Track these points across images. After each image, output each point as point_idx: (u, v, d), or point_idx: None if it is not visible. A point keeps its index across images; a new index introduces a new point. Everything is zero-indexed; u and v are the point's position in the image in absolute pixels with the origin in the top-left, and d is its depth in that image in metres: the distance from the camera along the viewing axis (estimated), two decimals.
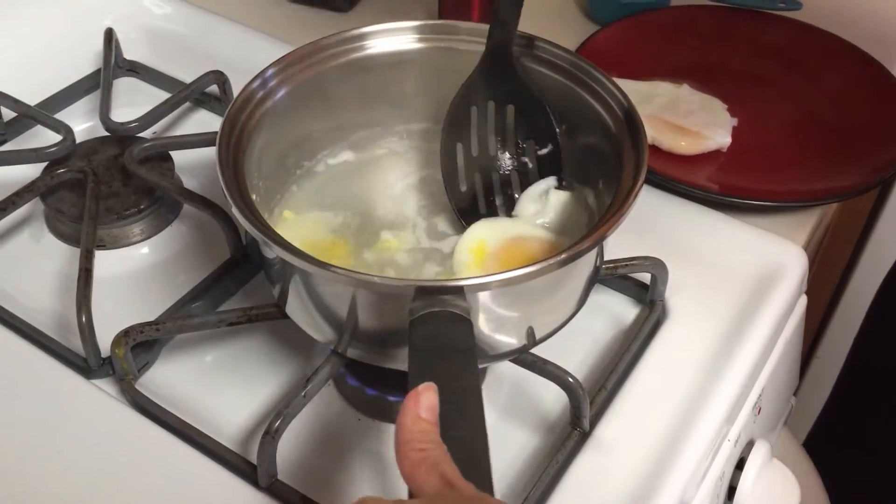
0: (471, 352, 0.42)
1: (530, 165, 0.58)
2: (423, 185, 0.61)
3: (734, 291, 0.61)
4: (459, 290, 0.43)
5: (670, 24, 0.85)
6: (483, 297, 0.45)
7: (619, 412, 0.55)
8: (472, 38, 0.58)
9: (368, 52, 0.59)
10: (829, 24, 0.82)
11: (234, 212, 0.47)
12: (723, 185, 0.69)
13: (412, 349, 0.42)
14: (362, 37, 0.59)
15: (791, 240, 0.64)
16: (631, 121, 0.53)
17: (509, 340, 0.50)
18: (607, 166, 0.54)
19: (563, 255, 0.45)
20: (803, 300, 0.65)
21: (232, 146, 0.51)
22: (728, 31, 0.84)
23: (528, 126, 0.58)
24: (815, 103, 0.77)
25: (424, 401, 0.37)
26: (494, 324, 0.48)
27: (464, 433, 0.37)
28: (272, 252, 0.47)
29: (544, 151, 0.58)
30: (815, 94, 0.78)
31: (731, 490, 0.59)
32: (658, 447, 0.52)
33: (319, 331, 0.51)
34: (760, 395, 0.60)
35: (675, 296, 0.61)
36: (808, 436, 1.06)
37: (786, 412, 0.73)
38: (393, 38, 0.59)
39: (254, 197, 0.50)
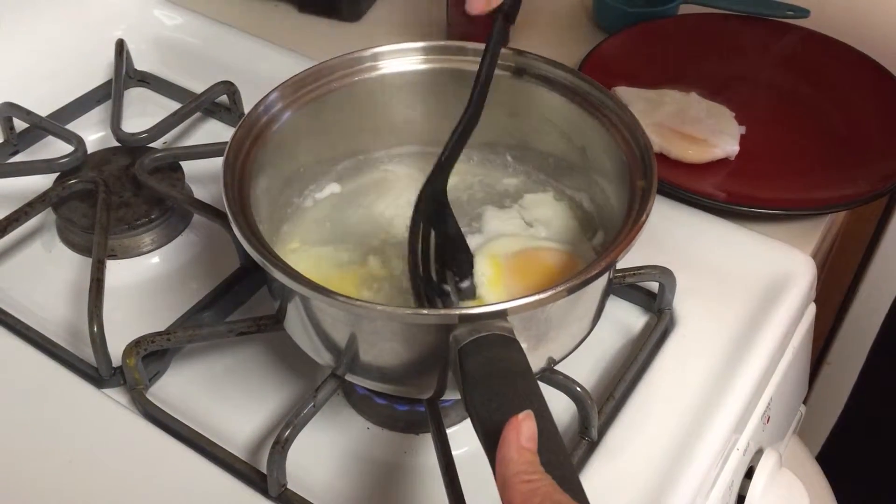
0: (530, 371, 0.42)
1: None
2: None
3: (742, 300, 0.61)
4: (503, 314, 0.43)
5: (678, 33, 0.85)
6: (524, 317, 0.45)
7: (627, 421, 0.55)
8: (479, 60, 0.58)
9: (373, 73, 0.58)
10: (837, 31, 0.82)
11: (261, 262, 0.46)
12: (730, 194, 0.69)
13: (468, 377, 0.41)
14: (367, 58, 0.58)
15: (799, 248, 0.64)
16: (639, 144, 0.52)
17: (538, 360, 0.49)
18: (610, 174, 0.54)
19: (604, 263, 0.45)
20: (812, 308, 0.64)
21: (237, 172, 0.51)
22: (736, 39, 0.84)
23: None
24: (823, 111, 0.77)
25: (525, 430, 0.36)
26: (530, 343, 0.47)
27: (552, 456, 0.37)
28: (296, 290, 0.45)
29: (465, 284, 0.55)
30: (823, 101, 0.78)
31: (741, 499, 0.59)
32: (667, 456, 0.52)
33: (321, 356, 0.51)
34: (769, 404, 0.60)
35: (683, 304, 0.61)
36: (822, 448, 1.06)
37: (795, 420, 0.73)
38: (398, 59, 0.58)
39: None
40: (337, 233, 0.58)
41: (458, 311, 0.43)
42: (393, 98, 0.59)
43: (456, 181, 0.59)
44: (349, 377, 0.50)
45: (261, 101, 0.55)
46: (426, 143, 0.62)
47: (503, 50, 0.57)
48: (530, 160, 0.61)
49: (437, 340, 0.44)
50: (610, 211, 0.55)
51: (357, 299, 0.44)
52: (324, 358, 0.51)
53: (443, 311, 0.45)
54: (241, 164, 0.52)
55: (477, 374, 0.41)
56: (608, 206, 0.55)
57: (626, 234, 0.47)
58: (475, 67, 0.54)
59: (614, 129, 0.54)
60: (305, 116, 0.57)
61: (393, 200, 0.60)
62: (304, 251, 0.57)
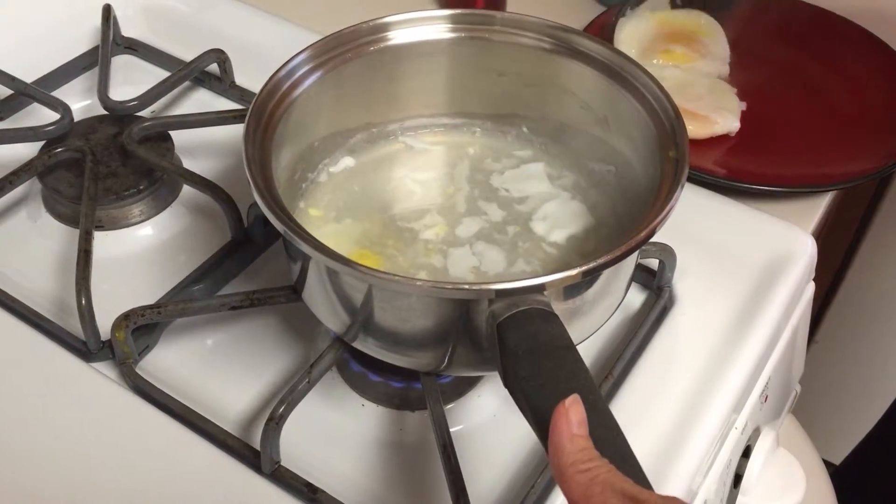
0: (573, 345, 0.41)
1: None
2: (443, 177, 0.60)
3: (742, 278, 0.60)
4: (540, 288, 0.42)
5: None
6: (562, 291, 0.44)
7: (625, 400, 0.54)
8: (506, 30, 0.57)
9: (394, 42, 0.57)
10: (840, 7, 0.81)
11: (285, 231, 0.45)
12: (731, 170, 0.68)
13: (510, 353, 0.41)
14: (390, 26, 0.57)
15: (800, 226, 0.63)
16: (669, 115, 0.51)
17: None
18: (637, 145, 0.53)
19: (644, 234, 0.45)
20: (811, 287, 0.64)
21: (258, 145, 0.49)
22: (738, 13, 0.83)
23: None
24: (824, 88, 0.77)
25: (574, 416, 0.35)
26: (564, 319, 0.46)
27: (605, 432, 0.36)
28: (321, 262, 0.44)
29: None
30: (825, 78, 0.77)
31: (738, 478, 0.58)
32: (666, 435, 0.52)
33: (336, 324, 0.50)
34: (767, 383, 0.60)
35: (683, 282, 0.60)
36: (843, 462, 1.06)
37: (790, 399, 0.73)
38: (423, 27, 0.57)
39: None
40: (353, 207, 0.57)
41: (495, 286, 0.42)
42: (415, 67, 0.58)
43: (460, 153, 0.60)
44: (358, 344, 0.49)
45: (283, 65, 0.53)
46: (447, 115, 0.61)
47: (525, 19, 0.56)
48: (546, 132, 0.60)
49: (467, 314, 0.44)
50: (635, 182, 0.54)
51: (391, 273, 0.43)
52: (339, 326, 0.50)
53: (480, 287, 0.43)
54: (262, 130, 0.50)
55: (519, 350, 0.40)
56: (632, 177, 0.54)
57: (662, 203, 0.46)
58: (501, 38, 0.56)
59: (643, 101, 0.52)
60: (326, 83, 0.55)
61: (408, 173, 0.59)
62: (322, 226, 0.56)
